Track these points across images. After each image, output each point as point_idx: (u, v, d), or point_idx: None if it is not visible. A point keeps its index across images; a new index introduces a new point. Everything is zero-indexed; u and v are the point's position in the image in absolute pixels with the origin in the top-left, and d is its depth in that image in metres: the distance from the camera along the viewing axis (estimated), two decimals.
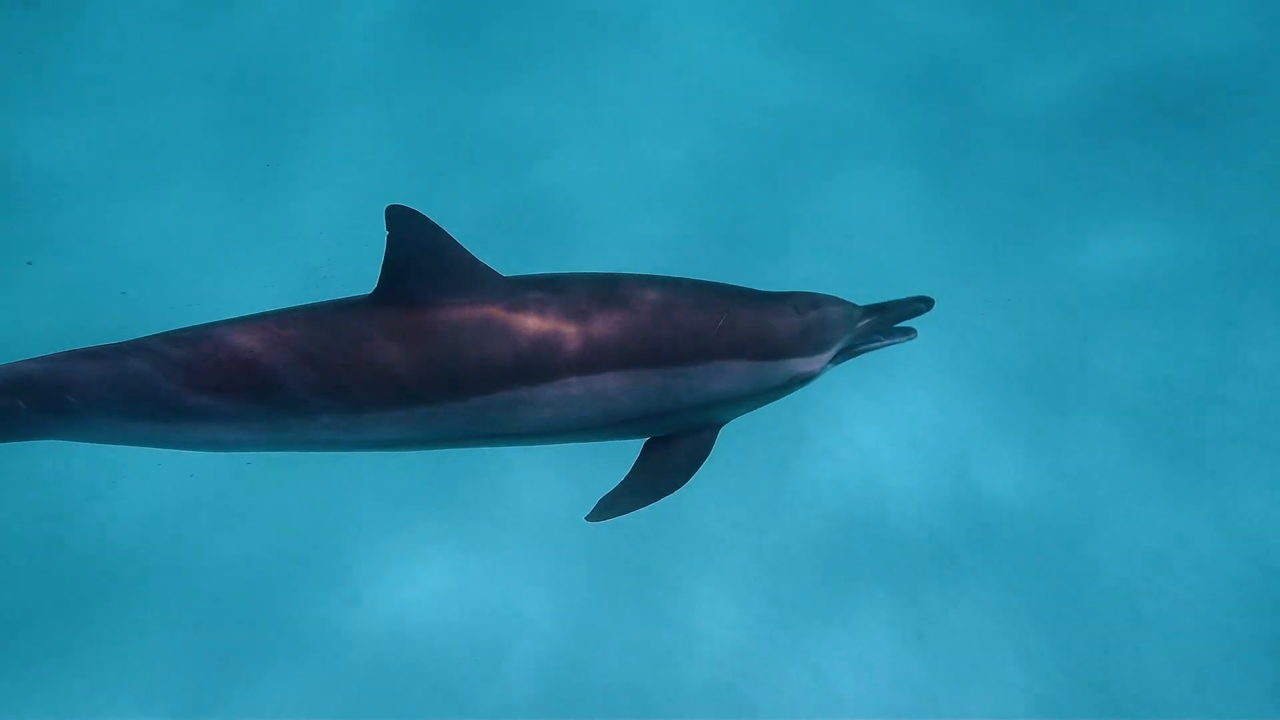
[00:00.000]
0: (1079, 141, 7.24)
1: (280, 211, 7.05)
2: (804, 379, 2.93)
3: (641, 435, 2.90)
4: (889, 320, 3.04)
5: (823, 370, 2.98)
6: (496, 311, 2.58)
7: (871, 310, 3.03)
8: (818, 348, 2.89)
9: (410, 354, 2.55)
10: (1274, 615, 5.51)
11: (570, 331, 2.60)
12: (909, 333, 3.09)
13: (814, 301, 2.93)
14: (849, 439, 6.08)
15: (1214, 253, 6.67)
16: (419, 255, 2.52)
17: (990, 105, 7.48)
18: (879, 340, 3.06)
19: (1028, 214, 6.92)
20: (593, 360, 2.61)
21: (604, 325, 2.63)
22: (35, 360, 2.63)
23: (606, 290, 2.70)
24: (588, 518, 2.82)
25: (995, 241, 6.78)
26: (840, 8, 8.13)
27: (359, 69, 7.78)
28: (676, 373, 2.69)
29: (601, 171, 7.17)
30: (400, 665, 5.53)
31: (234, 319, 2.68)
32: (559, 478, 5.89)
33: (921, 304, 3.04)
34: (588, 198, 7.02)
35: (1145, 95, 7.45)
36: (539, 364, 2.59)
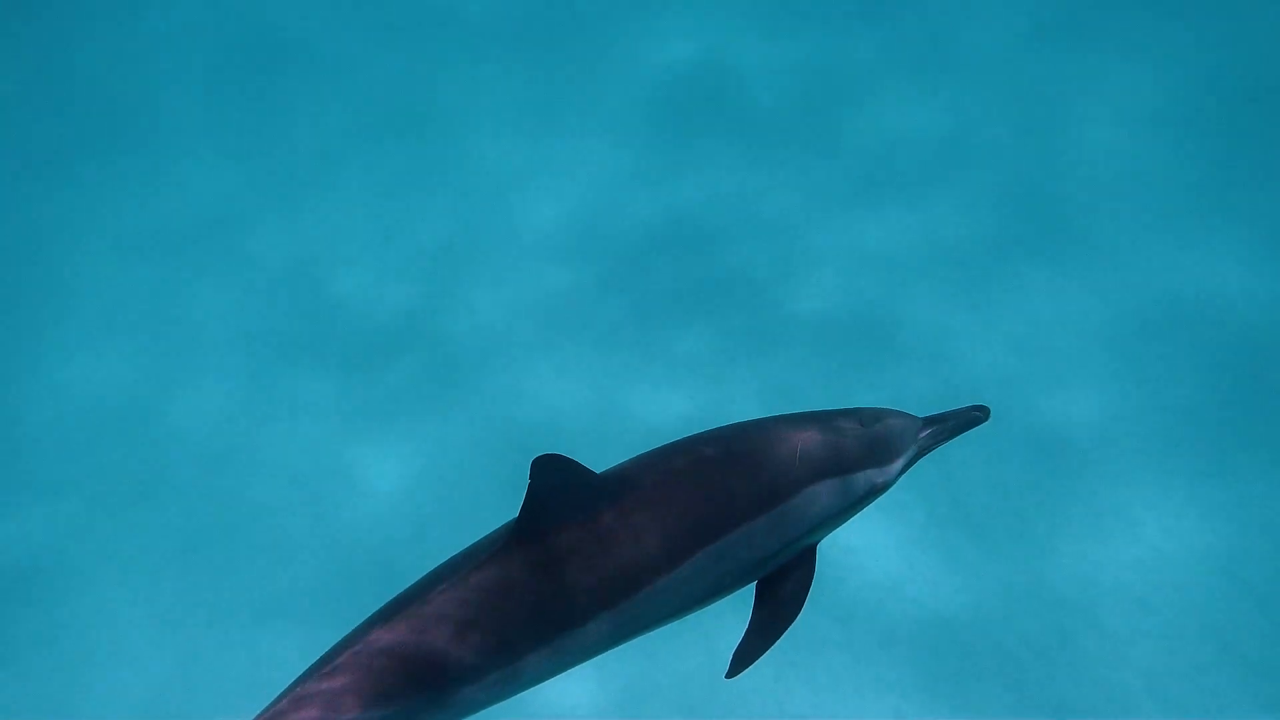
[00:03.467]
0: None
1: None
2: (881, 488, 3.06)
3: (754, 579, 2.97)
4: (947, 430, 3.19)
5: (895, 479, 3.11)
6: (615, 514, 2.65)
7: (931, 421, 3.19)
8: (889, 456, 3.02)
9: (555, 583, 2.59)
10: None
11: (683, 507, 2.71)
12: (977, 420, 3.20)
13: (877, 415, 3.08)
14: None
15: None
16: (555, 493, 2.56)
17: None
18: (946, 438, 3.20)
19: None
20: (711, 527, 2.72)
21: (708, 490, 2.75)
22: None
23: (694, 456, 2.82)
24: (728, 676, 2.86)
25: None
26: None
27: None
28: (781, 511, 2.82)
29: None
30: None
31: (374, 618, 2.67)
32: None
33: (978, 412, 3.20)
34: None
35: None
36: (667, 549, 2.67)
